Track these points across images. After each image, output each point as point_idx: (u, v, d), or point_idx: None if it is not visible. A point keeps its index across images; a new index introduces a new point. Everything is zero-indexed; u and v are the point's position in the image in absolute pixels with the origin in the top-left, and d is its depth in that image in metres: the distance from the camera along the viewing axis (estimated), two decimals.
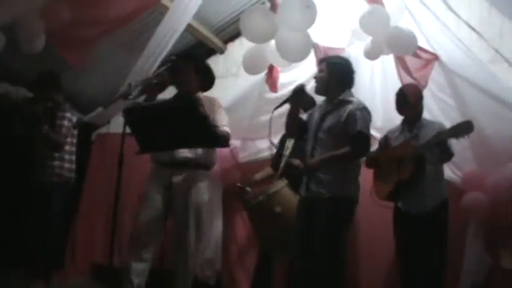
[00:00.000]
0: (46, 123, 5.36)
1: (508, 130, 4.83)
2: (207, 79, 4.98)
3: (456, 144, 4.59)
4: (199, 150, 4.79)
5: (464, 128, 4.27)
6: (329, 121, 4.41)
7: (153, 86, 4.58)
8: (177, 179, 4.75)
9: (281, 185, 4.78)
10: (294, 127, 4.68)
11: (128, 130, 4.09)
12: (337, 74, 4.49)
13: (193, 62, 4.90)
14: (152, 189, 4.78)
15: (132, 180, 5.66)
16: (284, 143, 5.33)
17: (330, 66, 4.51)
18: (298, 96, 4.56)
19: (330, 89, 4.51)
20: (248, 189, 5.01)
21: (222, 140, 4.65)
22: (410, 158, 4.53)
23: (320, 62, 4.67)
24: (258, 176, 5.50)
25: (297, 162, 4.93)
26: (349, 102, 4.38)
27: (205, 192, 4.86)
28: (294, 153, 5.06)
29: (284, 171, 5.04)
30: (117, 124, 6.02)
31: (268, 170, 5.50)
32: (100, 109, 6.12)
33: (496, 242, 4.97)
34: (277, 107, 4.66)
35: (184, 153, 4.73)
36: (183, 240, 4.67)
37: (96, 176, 6.60)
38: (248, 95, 5.92)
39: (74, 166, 5.67)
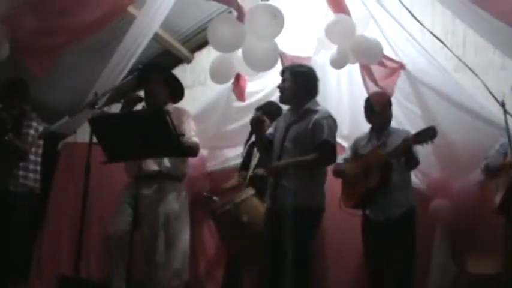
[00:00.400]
0: (11, 131, 5.29)
1: (471, 137, 4.93)
2: (176, 90, 5.02)
3: (421, 151, 4.64)
4: (168, 162, 4.81)
5: (428, 134, 4.31)
6: (295, 130, 4.40)
7: (134, 97, 4.59)
8: (147, 191, 4.76)
9: (248, 194, 4.78)
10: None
11: (95, 139, 4.06)
12: (301, 82, 4.47)
13: (162, 74, 4.91)
14: (122, 201, 4.80)
15: (100, 190, 5.61)
16: (251, 152, 5.33)
17: (294, 75, 4.48)
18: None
19: (294, 97, 4.49)
20: (215, 198, 5.01)
21: (191, 150, 4.73)
22: (378, 166, 4.57)
23: (283, 70, 4.63)
24: (228, 184, 5.50)
25: (261, 171, 4.95)
26: (315, 111, 4.38)
27: (174, 203, 4.88)
28: (261, 162, 5.05)
29: (251, 182, 5.03)
30: (84, 133, 5.96)
31: (235, 180, 5.49)
32: (66, 118, 6.07)
33: (462, 248, 5.03)
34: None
35: (153, 165, 4.74)
36: (151, 251, 4.69)
37: (62, 185, 6.51)
38: (216, 103, 5.92)
39: (38, 176, 5.60)
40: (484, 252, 4.84)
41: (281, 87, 4.55)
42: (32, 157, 5.49)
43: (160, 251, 4.72)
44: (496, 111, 4.61)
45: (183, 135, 4.59)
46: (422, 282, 4.97)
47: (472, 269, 4.75)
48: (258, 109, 5.13)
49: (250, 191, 4.82)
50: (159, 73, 4.93)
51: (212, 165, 6.04)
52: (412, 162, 4.62)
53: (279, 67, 4.96)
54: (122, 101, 4.68)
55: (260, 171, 4.98)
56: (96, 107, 4.38)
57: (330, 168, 4.65)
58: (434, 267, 5.02)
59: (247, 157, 5.37)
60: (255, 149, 5.23)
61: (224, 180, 5.56)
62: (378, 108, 4.81)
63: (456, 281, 4.92)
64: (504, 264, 4.25)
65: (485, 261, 4.73)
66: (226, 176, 5.71)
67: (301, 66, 4.65)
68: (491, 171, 4.42)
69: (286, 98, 4.56)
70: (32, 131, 5.43)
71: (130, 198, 4.67)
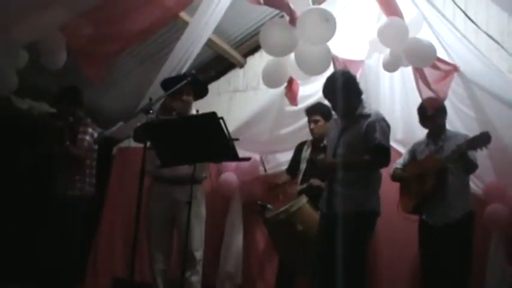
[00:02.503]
0: (68, 138, 5.41)
1: None
2: (201, 93, 5.13)
3: (478, 155, 4.58)
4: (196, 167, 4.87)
5: (481, 140, 4.28)
6: (348, 136, 4.40)
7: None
8: (178, 193, 4.86)
9: (302, 202, 4.79)
10: None
11: (149, 144, 4.12)
12: (349, 89, 4.43)
13: (192, 84, 4.94)
14: (155, 205, 4.94)
15: None
16: (301, 150, 5.35)
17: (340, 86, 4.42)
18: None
19: (346, 106, 4.45)
20: (269, 206, 5.00)
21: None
22: (434, 171, 4.54)
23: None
24: (280, 180, 5.53)
25: (317, 182, 4.96)
26: (368, 115, 4.37)
27: (202, 203, 5.04)
28: (311, 166, 5.05)
29: (306, 191, 5.04)
30: None
31: (286, 176, 5.53)
32: (121, 123, 6.15)
33: None
34: None
35: (185, 169, 4.78)
36: (189, 251, 4.80)
37: (117, 190, 6.63)
38: (268, 108, 5.94)
39: (94, 180, 5.70)
40: None
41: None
42: (87, 162, 5.59)
43: (198, 250, 4.92)
44: None
45: (238, 139, 4.64)
46: (480, 287, 4.90)
47: None
48: (312, 111, 5.14)
49: (304, 199, 4.83)
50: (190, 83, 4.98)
51: (264, 170, 6.01)
52: (470, 167, 4.59)
53: (331, 71, 4.95)
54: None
55: (316, 182, 4.99)
56: (151, 112, 4.44)
57: (384, 173, 4.62)
58: (491, 272, 4.95)
59: (295, 159, 5.40)
60: (304, 153, 5.24)
61: (278, 184, 5.56)
62: (430, 113, 4.77)
63: None
64: None
65: None
66: (281, 180, 5.68)
67: (340, 74, 4.57)
68: None
69: (340, 112, 4.54)
70: (87, 137, 5.53)
71: (163, 201, 4.84)
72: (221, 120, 3.82)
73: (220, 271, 5.75)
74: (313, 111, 5.22)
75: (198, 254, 4.90)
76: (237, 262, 5.70)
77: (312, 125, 5.23)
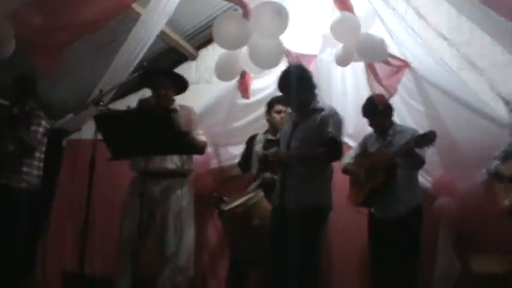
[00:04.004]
0: (22, 128, 5.30)
1: (476, 136, 4.92)
2: (182, 87, 5.08)
3: (427, 151, 4.64)
4: (176, 160, 4.87)
5: (427, 138, 4.33)
6: (302, 130, 4.41)
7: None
8: (155, 188, 4.84)
9: (260, 196, 4.79)
10: None
11: (100, 136, 4.06)
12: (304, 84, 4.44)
13: (170, 78, 4.98)
14: (132, 199, 4.83)
15: (104, 186, 5.62)
16: (253, 143, 5.36)
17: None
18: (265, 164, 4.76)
19: (301, 101, 4.47)
20: (225, 198, 4.98)
21: (199, 148, 4.87)
22: (383, 165, 4.59)
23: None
24: (232, 173, 5.55)
25: (269, 175, 4.97)
26: (321, 109, 4.38)
27: (182, 200, 4.94)
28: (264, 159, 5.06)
29: (260, 185, 5.04)
30: (89, 130, 5.97)
31: (238, 169, 5.54)
32: (71, 115, 6.06)
33: (467, 246, 5.03)
34: None
35: (161, 162, 4.79)
36: (162, 248, 4.81)
37: (67, 182, 6.51)
38: (221, 101, 5.90)
39: (41, 173, 5.59)
40: (489, 252, 4.83)
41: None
42: (37, 154, 5.48)
43: (171, 247, 4.84)
44: (501, 110, 4.59)
45: (190, 133, 4.64)
46: (427, 280, 4.98)
47: (477, 267, 4.74)
48: (277, 101, 5.15)
49: (261, 193, 4.83)
50: (168, 78, 4.97)
51: (216, 163, 6.03)
52: (417, 162, 4.65)
53: (284, 64, 4.95)
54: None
55: (268, 175, 4.99)
56: (102, 104, 4.38)
57: (336, 167, 4.64)
58: (439, 265, 5.03)
59: (246, 153, 5.42)
60: (256, 146, 5.25)
61: (229, 177, 5.55)
62: (376, 109, 4.82)
63: (461, 279, 4.93)
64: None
65: (491, 260, 4.73)
66: (232, 173, 5.69)
67: (295, 67, 4.58)
68: (497, 175, 4.40)
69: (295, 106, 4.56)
70: (41, 129, 5.42)
71: (138, 197, 4.70)
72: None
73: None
74: (278, 101, 5.20)
75: (169, 252, 4.86)
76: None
77: (277, 116, 5.21)
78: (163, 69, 5.97)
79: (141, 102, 4.94)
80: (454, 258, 4.99)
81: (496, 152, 4.51)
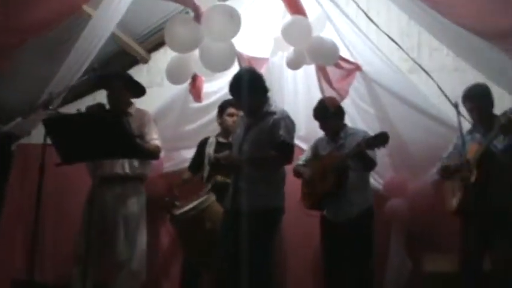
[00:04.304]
0: None
1: (426, 138, 5.03)
2: (137, 91, 5.09)
3: (377, 152, 4.68)
4: (127, 164, 4.87)
5: (379, 140, 4.37)
6: (253, 133, 4.41)
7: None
8: (108, 193, 4.83)
9: (212, 200, 4.78)
10: None
11: (49, 141, 4.00)
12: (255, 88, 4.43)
13: (122, 81, 4.98)
14: (85, 206, 4.83)
15: (55, 191, 5.55)
16: (204, 146, 5.33)
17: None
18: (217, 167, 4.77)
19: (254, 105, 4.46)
20: (177, 203, 4.95)
21: (152, 154, 4.85)
22: (334, 168, 4.62)
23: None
24: (184, 177, 5.48)
25: (221, 178, 4.97)
26: (273, 113, 4.38)
27: (135, 205, 4.96)
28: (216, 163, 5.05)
29: (212, 189, 5.03)
30: (39, 134, 5.87)
31: (189, 173, 5.50)
32: (19, 119, 5.95)
33: (418, 246, 5.11)
34: None
35: (113, 167, 4.79)
36: (113, 253, 4.79)
37: (17, 187, 6.38)
38: (172, 104, 5.86)
39: None
40: (440, 251, 4.92)
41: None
42: None
43: (122, 252, 4.80)
44: (449, 113, 4.67)
45: (142, 137, 4.61)
46: (379, 280, 5.03)
47: (428, 267, 4.81)
48: (229, 104, 5.14)
49: (213, 197, 4.82)
50: (120, 80, 4.96)
51: (168, 166, 5.97)
52: (368, 164, 4.68)
53: (236, 68, 4.95)
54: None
55: (220, 178, 4.99)
56: (51, 107, 4.31)
57: (288, 170, 4.66)
58: (391, 265, 5.10)
59: (197, 156, 5.39)
60: (207, 149, 5.24)
61: (180, 181, 5.51)
62: (331, 112, 4.86)
63: (412, 279, 5.00)
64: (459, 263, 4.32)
65: (441, 259, 4.80)
66: (183, 177, 5.66)
67: (246, 71, 4.59)
68: (446, 173, 4.49)
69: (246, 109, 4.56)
70: None
71: (94, 201, 4.66)
72: (125, 119, 3.76)
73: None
74: (230, 104, 5.18)
75: (122, 258, 4.84)
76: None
77: (230, 120, 5.19)
78: (116, 71, 5.91)
79: (91, 107, 4.88)
80: (405, 258, 5.06)
81: (445, 153, 4.60)
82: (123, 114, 4.25)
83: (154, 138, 4.94)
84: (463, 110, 4.40)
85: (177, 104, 5.84)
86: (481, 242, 4.18)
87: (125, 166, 4.87)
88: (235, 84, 4.41)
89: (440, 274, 4.64)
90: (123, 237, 4.83)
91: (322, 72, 5.07)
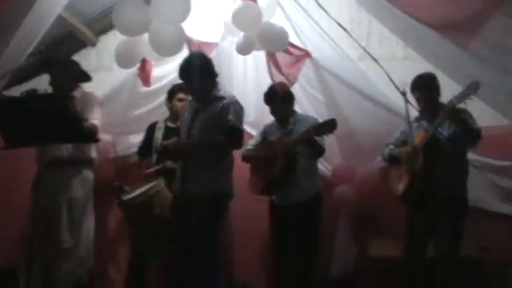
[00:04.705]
0: None
1: (374, 125, 5.11)
2: (80, 75, 5.05)
3: (326, 139, 4.72)
4: (70, 147, 4.82)
5: (327, 127, 4.39)
6: (202, 118, 4.40)
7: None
8: (52, 177, 4.76)
9: (161, 185, 4.75)
10: None
11: None
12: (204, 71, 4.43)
13: (63, 66, 4.94)
14: (33, 189, 4.73)
15: (5, 175, 5.55)
16: (153, 131, 5.28)
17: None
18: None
19: (202, 88, 4.45)
20: (126, 188, 4.90)
21: (89, 134, 4.65)
22: (283, 153, 4.62)
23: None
24: (132, 161, 5.45)
25: (170, 164, 4.92)
26: (222, 98, 4.39)
27: (78, 189, 4.91)
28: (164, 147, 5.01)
29: (160, 173, 4.99)
30: None
31: (137, 157, 5.45)
32: None
33: (364, 232, 5.20)
34: None
35: (57, 151, 4.74)
36: (56, 239, 4.73)
37: None
38: (121, 88, 5.76)
39: None
40: (385, 236, 5.01)
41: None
42: None
43: (66, 241, 4.77)
44: (397, 101, 4.71)
45: (85, 119, 4.55)
46: (326, 265, 5.12)
47: (374, 252, 4.88)
48: (177, 89, 5.09)
49: (162, 182, 4.79)
50: (60, 66, 4.92)
51: (117, 151, 5.88)
52: (317, 150, 4.70)
53: (185, 52, 4.91)
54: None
55: (168, 163, 4.94)
56: None
57: (236, 155, 4.67)
58: (338, 250, 5.19)
59: (146, 141, 5.32)
60: (156, 133, 5.19)
61: (129, 166, 5.46)
62: (280, 98, 4.86)
63: (358, 264, 5.10)
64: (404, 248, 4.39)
65: (386, 244, 4.88)
66: (131, 161, 5.63)
67: (196, 56, 4.56)
68: (392, 159, 4.55)
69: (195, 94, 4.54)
70: None
71: (38, 185, 4.61)
72: (69, 100, 3.70)
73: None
74: (180, 89, 5.14)
75: (66, 244, 4.79)
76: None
77: (179, 104, 5.14)
78: (59, 56, 5.80)
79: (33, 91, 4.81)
80: (352, 243, 5.17)
81: (391, 139, 4.66)
82: (67, 98, 4.15)
83: (94, 118, 4.87)
84: (410, 98, 4.44)
85: (126, 88, 5.75)
86: (425, 228, 4.26)
87: (69, 150, 4.83)
88: (185, 69, 4.39)
89: (385, 259, 4.70)
90: (67, 223, 4.78)
91: (271, 58, 5.09)
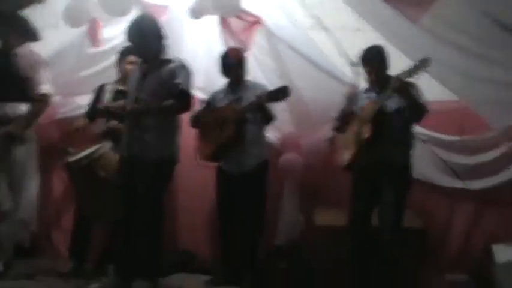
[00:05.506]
0: None
1: (324, 95, 5.11)
2: (28, 33, 4.90)
3: (276, 107, 4.74)
4: (15, 108, 4.67)
5: (280, 93, 4.39)
6: (150, 81, 4.34)
7: None
8: None
9: (106, 148, 4.70)
10: None
11: None
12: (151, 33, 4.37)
13: (9, 19, 4.82)
14: None
15: None
16: (101, 93, 5.16)
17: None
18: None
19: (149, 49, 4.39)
20: (71, 149, 4.82)
21: (41, 100, 4.67)
22: (232, 120, 4.61)
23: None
24: (79, 123, 5.30)
25: (114, 123, 4.86)
26: (170, 61, 4.35)
27: (20, 151, 4.82)
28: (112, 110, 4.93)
29: (106, 135, 4.91)
30: None
31: (84, 119, 5.30)
32: None
33: (310, 201, 5.26)
34: None
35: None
36: None
37: None
38: (68, 49, 5.62)
39: None
40: (330, 205, 5.08)
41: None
42: None
43: (3, 202, 4.69)
44: (347, 71, 4.73)
45: (30, 80, 4.46)
46: (272, 233, 5.15)
47: (319, 221, 4.93)
48: (128, 51, 4.99)
49: (107, 145, 4.74)
50: (6, 19, 4.82)
51: (63, 113, 5.74)
52: (267, 117, 4.73)
53: (134, 13, 4.81)
54: None
55: (113, 123, 4.86)
56: None
57: (185, 121, 4.66)
58: (284, 218, 5.20)
59: (94, 103, 5.20)
60: (104, 95, 5.09)
61: (75, 128, 5.34)
62: (232, 63, 4.82)
63: (304, 233, 5.13)
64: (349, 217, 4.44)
65: (331, 214, 4.94)
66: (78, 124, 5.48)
67: (144, 17, 4.50)
68: (340, 121, 4.57)
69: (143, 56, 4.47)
70: None
71: None
72: (14, 57, 3.60)
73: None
74: (131, 51, 5.02)
75: (4, 206, 4.72)
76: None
77: (129, 67, 4.99)
78: (7, 8, 5.62)
79: None
80: (298, 211, 5.19)
81: (339, 109, 4.68)
82: (9, 55, 4.04)
83: (42, 85, 4.78)
84: (361, 69, 4.46)
85: (74, 49, 5.61)
86: (369, 198, 4.32)
87: (10, 109, 4.66)
88: (132, 30, 4.32)
89: (330, 227, 4.76)
90: (6, 185, 4.69)
91: (224, 23, 5.04)
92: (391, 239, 4.20)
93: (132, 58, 4.98)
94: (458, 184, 5.02)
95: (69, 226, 5.33)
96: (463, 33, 4.51)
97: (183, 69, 4.31)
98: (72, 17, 5.01)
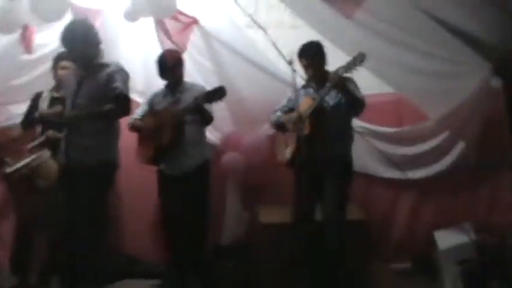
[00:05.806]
0: None
1: (262, 93, 5.18)
2: None
3: (215, 107, 4.74)
4: None
5: (217, 94, 4.40)
6: (87, 86, 4.30)
7: None
8: None
9: (45, 156, 4.62)
10: None
11: None
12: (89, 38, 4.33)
13: None
14: None
15: None
16: (37, 101, 5.06)
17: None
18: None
19: (85, 55, 4.34)
20: (7, 159, 4.72)
21: None
22: (171, 123, 4.60)
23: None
24: (14, 133, 5.19)
25: (51, 133, 4.75)
26: (107, 65, 4.32)
27: None
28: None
29: (43, 144, 4.82)
30: None
31: (20, 129, 5.21)
32: None
33: (253, 198, 5.32)
34: None
35: None
36: None
37: None
38: (1, 56, 5.47)
39: None
40: (274, 203, 5.14)
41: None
42: None
43: None
44: (285, 68, 4.76)
45: None
46: (217, 232, 5.19)
47: (263, 219, 4.96)
48: (61, 57, 4.90)
49: (47, 153, 4.66)
50: None
51: None
52: (206, 118, 4.72)
53: (68, 18, 4.73)
54: None
55: (51, 133, 4.77)
56: None
57: (124, 124, 4.62)
58: (228, 217, 5.25)
59: (30, 111, 5.10)
60: (41, 104, 5.00)
61: (10, 138, 5.24)
62: (169, 64, 4.81)
63: (249, 230, 5.20)
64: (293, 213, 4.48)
65: (275, 211, 4.98)
66: (11, 133, 5.38)
67: (78, 22, 4.44)
68: (279, 126, 4.61)
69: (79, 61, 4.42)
70: None
71: None
72: None
73: None
74: (64, 57, 4.93)
75: None
76: None
77: (63, 73, 4.92)
78: None
79: None
80: (242, 210, 5.25)
81: (278, 106, 4.72)
82: None
83: None
84: (298, 66, 4.50)
85: (6, 56, 5.44)
86: (312, 192, 4.37)
87: None
88: (67, 35, 4.26)
89: (276, 224, 4.81)
90: None
91: (160, 25, 5.01)
92: (334, 232, 4.26)
93: (64, 63, 4.91)
94: (398, 175, 5.14)
95: (10, 238, 5.23)
96: (396, 27, 4.60)
97: (120, 72, 4.28)
98: (3, 23, 4.87)
